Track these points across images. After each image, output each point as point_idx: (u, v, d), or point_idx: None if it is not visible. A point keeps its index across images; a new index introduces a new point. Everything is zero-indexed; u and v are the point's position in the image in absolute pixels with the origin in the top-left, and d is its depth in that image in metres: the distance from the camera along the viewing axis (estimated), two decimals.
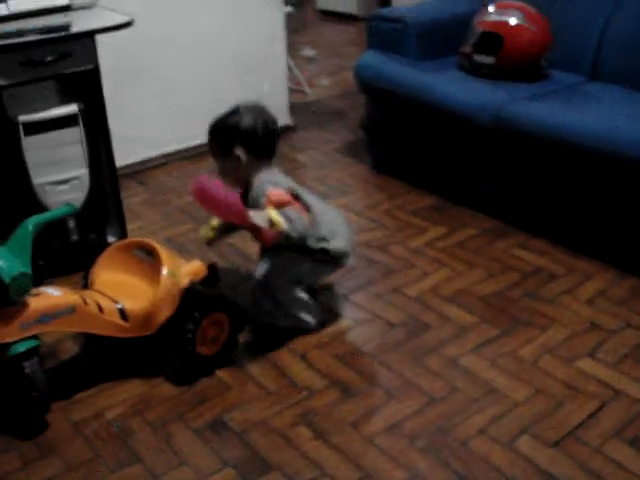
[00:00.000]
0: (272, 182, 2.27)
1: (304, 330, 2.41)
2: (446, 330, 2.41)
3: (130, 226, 2.99)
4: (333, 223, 2.38)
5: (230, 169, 2.31)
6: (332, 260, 2.37)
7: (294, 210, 2.20)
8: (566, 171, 2.75)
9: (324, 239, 2.32)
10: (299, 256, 2.32)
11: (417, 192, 3.34)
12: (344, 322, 2.49)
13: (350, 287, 2.66)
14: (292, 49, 4.91)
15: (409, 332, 2.41)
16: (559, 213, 2.85)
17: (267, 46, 3.93)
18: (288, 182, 2.35)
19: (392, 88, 3.27)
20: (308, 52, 5.66)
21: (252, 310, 2.40)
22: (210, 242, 2.48)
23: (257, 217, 2.12)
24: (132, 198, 3.36)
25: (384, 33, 3.43)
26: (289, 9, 4.26)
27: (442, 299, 2.57)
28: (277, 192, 2.23)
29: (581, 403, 2.08)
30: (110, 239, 2.85)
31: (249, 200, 2.25)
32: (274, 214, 2.13)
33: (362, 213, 3.20)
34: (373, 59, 3.43)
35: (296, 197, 2.29)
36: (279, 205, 2.18)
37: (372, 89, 3.44)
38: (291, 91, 4.34)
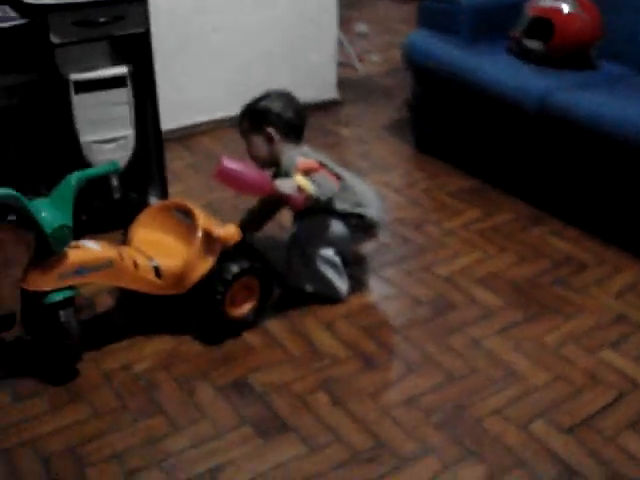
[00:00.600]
0: (301, 154, 2.35)
1: (333, 299, 2.46)
2: (472, 311, 2.44)
3: (172, 188, 3.06)
4: (367, 193, 2.45)
5: (261, 146, 2.41)
6: (366, 228, 2.43)
7: (321, 174, 2.27)
8: (607, 162, 2.74)
9: (360, 205, 2.39)
10: (334, 219, 2.38)
11: (457, 173, 3.35)
12: (373, 296, 2.54)
13: (381, 262, 2.69)
14: (345, 24, 4.91)
15: (436, 310, 2.44)
16: (596, 203, 2.84)
17: (318, 18, 3.94)
18: (317, 155, 2.41)
19: (440, 68, 3.27)
20: (361, 27, 5.65)
21: (283, 271, 2.47)
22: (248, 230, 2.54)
23: (284, 185, 2.20)
24: (177, 161, 3.43)
25: (435, 12, 3.41)
26: None
27: (471, 280, 2.59)
28: (306, 161, 2.30)
29: (599, 393, 2.09)
30: (151, 199, 2.92)
31: (280, 177, 2.33)
32: (301, 179, 2.19)
33: (401, 191, 3.22)
34: (423, 38, 3.42)
35: (325, 167, 2.34)
36: (307, 171, 2.24)
37: (419, 68, 3.44)
38: (341, 66, 4.36)
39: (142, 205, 2.60)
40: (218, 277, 2.21)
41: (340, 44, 4.37)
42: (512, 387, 2.11)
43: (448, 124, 3.42)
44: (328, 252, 2.43)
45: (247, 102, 2.48)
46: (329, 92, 4.13)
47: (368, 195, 2.45)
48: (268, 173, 2.34)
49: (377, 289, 2.57)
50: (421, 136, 3.62)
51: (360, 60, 4.88)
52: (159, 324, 2.34)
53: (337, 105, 4.15)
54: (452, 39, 3.34)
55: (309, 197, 2.20)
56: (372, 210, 2.42)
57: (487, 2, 3.43)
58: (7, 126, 2.74)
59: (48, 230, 1.95)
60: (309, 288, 2.45)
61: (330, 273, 2.43)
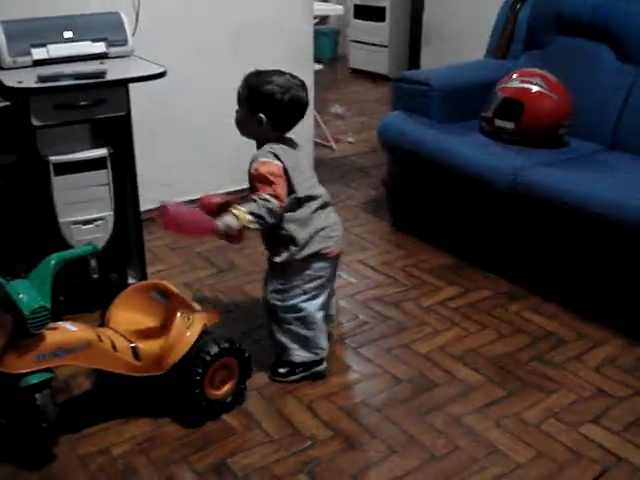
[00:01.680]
0: (272, 153, 2.30)
1: (315, 375, 2.45)
2: (453, 388, 2.43)
3: (151, 269, 3.06)
4: (315, 213, 2.37)
5: (248, 124, 2.38)
6: (305, 248, 2.35)
7: (263, 199, 2.22)
8: (580, 237, 2.78)
9: (295, 223, 2.33)
10: (280, 263, 2.37)
11: (434, 251, 3.38)
12: (352, 375, 2.52)
13: (361, 341, 2.69)
14: (322, 105, 5.02)
15: (416, 388, 2.43)
16: (572, 278, 2.88)
17: None
18: (290, 158, 2.33)
19: (414, 148, 3.34)
20: (337, 109, 5.78)
21: (273, 347, 2.48)
22: None
23: (225, 225, 2.19)
24: (156, 241, 3.43)
25: (409, 95, 3.51)
26: (319, 67, 4.38)
27: (451, 358, 2.59)
28: (269, 164, 2.27)
29: (583, 468, 2.08)
30: (130, 280, 2.91)
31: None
32: (240, 213, 2.20)
33: (378, 269, 3.24)
34: (397, 119, 3.51)
35: (287, 175, 2.30)
36: (259, 181, 2.25)
37: (394, 148, 3.51)
38: (318, 146, 4.44)
39: (121, 286, 2.59)
40: (197, 358, 2.19)
41: (317, 125, 4.45)
42: (495, 466, 2.09)
43: (424, 203, 3.47)
44: (301, 311, 2.40)
45: (253, 72, 2.40)
46: None
47: (316, 213, 2.38)
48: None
49: (357, 368, 2.55)
50: (398, 214, 3.67)
51: (336, 141, 4.98)
52: (137, 406, 2.31)
53: None
54: (425, 120, 3.43)
55: (247, 228, 2.22)
56: (312, 227, 2.35)
57: (457, 84, 3.55)
58: None
59: (26, 312, 1.94)
60: (297, 354, 2.43)
61: (308, 332, 2.41)
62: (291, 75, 2.37)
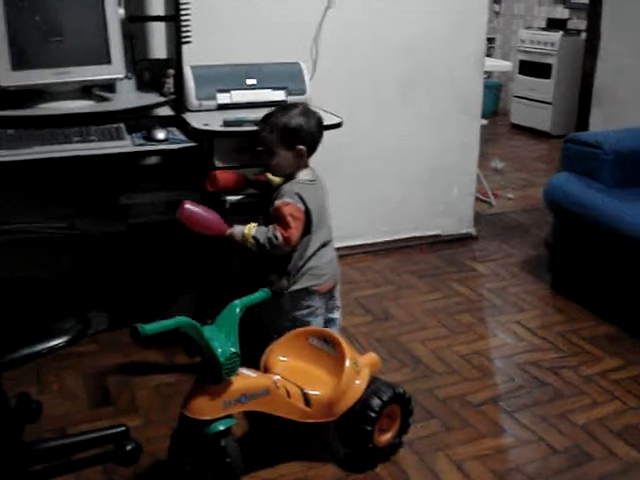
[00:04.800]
0: (297, 195, 2.44)
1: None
2: (610, 465, 2.33)
3: None
4: (320, 259, 2.53)
5: (289, 161, 2.49)
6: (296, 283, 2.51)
7: (273, 233, 2.39)
8: None
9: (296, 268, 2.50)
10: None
11: (595, 318, 3.27)
12: (506, 439, 2.46)
13: (516, 405, 2.63)
14: (482, 159, 5.00)
15: (571, 460, 2.35)
16: None
17: (460, 154, 4.05)
18: (316, 199, 2.50)
19: (581, 211, 3.26)
20: (497, 164, 5.74)
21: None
22: None
23: (232, 234, 2.44)
24: None
25: (579, 156, 3.45)
26: (484, 122, 4.37)
27: (610, 432, 2.49)
28: (287, 207, 2.40)
29: None
30: None
31: (277, 192, 2.48)
32: (248, 237, 2.41)
33: (535, 332, 3.17)
34: (565, 180, 3.44)
35: (308, 217, 2.45)
36: (278, 219, 2.40)
37: (560, 210, 3.45)
38: (477, 201, 4.41)
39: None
40: (368, 405, 2.20)
41: (477, 179, 4.43)
42: None
43: (588, 267, 3.37)
44: None
45: (267, 116, 2.52)
46: (465, 226, 4.18)
47: (321, 261, 2.54)
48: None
49: (510, 432, 2.49)
50: (558, 277, 3.59)
51: (495, 196, 4.93)
52: (290, 446, 2.35)
53: (472, 240, 4.18)
54: (595, 183, 3.35)
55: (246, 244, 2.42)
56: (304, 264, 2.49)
57: (630, 148, 3.44)
58: (163, 240, 2.91)
59: (222, 359, 1.97)
60: None
61: None
62: (295, 104, 2.57)
